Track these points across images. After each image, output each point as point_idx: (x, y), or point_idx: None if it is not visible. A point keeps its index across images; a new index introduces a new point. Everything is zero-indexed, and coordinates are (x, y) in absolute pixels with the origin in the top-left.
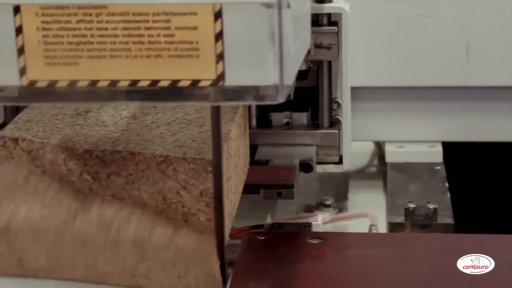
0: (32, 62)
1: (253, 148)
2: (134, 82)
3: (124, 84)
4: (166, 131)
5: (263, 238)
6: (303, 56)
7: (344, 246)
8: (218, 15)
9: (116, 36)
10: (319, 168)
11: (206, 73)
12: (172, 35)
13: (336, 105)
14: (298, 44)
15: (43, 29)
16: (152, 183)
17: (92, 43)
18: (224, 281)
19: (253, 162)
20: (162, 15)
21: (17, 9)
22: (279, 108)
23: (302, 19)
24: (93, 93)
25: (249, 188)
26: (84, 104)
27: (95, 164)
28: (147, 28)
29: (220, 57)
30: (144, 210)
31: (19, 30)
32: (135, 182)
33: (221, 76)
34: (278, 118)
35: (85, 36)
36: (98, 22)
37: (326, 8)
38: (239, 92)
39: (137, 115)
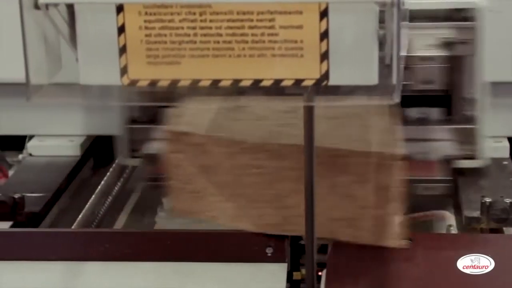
0: (134, 61)
1: None
2: (237, 82)
3: (226, 83)
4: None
5: None
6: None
7: (434, 247)
8: (324, 14)
9: (220, 35)
10: (455, 163)
11: (309, 72)
12: (276, 34)
13: (471, 101)
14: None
15: (146, 28)
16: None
17: (195, 42)
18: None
19: None
20: (267, 14)
21: (120, 8)
22: (414, 103)
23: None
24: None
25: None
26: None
27: (266, 158)
28: (251, 27)
29: (324, 56)
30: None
31: (121, 29)
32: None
33: (325, 76)
34: (413, 113)
35: (188, 35)
36: (201, 21)
37: (461, 3)
38: (349, 92)
39: (295, 109)
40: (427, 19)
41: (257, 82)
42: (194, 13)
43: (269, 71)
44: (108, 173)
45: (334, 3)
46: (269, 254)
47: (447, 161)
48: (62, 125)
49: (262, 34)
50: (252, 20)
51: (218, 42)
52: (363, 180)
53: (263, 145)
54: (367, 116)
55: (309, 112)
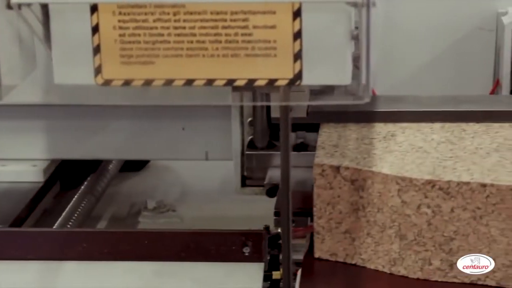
0: (108, 61)
1: None
2: (210, 81)
3: (200, 83)
4: (503, 159)
5: None
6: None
7: None
8: (297, 14)
9: (194, 35)
10: None
11: (283, 72)
12: (249, 34)
13: None
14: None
15: (120, 28)
16: (506, 218)
17: (169, 42)
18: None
19: None
20: (241, 14)
21: (94, 8)
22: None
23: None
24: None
25: None
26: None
27: (437, 196)
28: (224, 27)
29: (297, 56)
30: (492, 247)
31: (95, 29)
32: (483, 216)
33: (299, 76)
34: None
35: (162, 35)
36: (175, 21)
37: None
38: (321, 92)
39: (452, 140)
40: None
41: (230, 82)
42: (168, 13)
43: (242, 71)
44: (73, 200)
45: (307, 3)
46: (247, 254)
47: None
48: (24, 148)
49: (236, 34)
50: (225, 20)
51: (192, 42)
52: None
53: (433, 181)
54: None
55: (284, 111)
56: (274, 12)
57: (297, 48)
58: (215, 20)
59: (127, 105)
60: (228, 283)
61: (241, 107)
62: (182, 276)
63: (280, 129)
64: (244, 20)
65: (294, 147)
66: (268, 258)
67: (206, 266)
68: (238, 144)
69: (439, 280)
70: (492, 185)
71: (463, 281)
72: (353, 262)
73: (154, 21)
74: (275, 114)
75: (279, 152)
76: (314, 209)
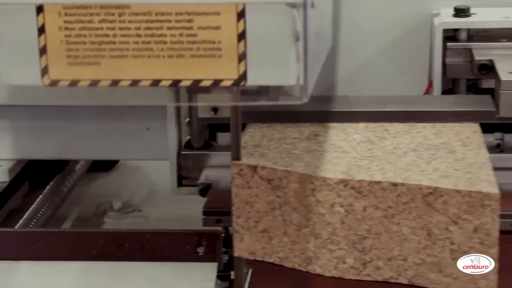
0: (54, 61)
1: None
2: (156, 82)
3: (146, 83)
4: (418, 159)
5: None
6: (325, 57)
7: None
8: (241, 15)
9: (139, 36)
10: None
11: (228, 73)
12: (194, 35)
13: None
14: (321, 45)
15: (66, 28)
16: (416, 217)
17: (115, 42)
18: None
19: None
20: (185, 15)
21: (40, 9)
22: (489, 128)
23: (324, 19)
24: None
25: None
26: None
27: (349, 195)
28: (169, 28)
29: (242, 57)
30: (403, 246)
31: (41, 30)
32: (395, 215)
33: (243, 76)
34: (487, 139)
35: (108, 36)
36: (120, 22)
37: None
38: (261, 92)
39: (374, 140)
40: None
41: (176, 82)
42: (113, 14)
43: (188, 72)
44: (37, 200)
45: (250, 4)
46: (201, 254)
47: None
48: None
49: (181, 35)
50: (170, 21)
51: (137, 42)
52: (455, 222)
53: (346, 181)
54: (451, 148)
55: (235, 112)
56: (218, 13)
57: (241, 49)
58: (160, 21)
59: (93, 105)
60: (182, 283)
61: (178, 108)
62: (136, 276)
63: (230, 129)
64: (189, 21)
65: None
66: (227, 258)
67: (160, 266)
68: (174, 144)
69: (353, 278)
70: (402, 184)
71: (376, 279)
72: (271, 261)
73: (100, 22)
74: (202, 114)
75: (215, 152)
76: (233, 208)
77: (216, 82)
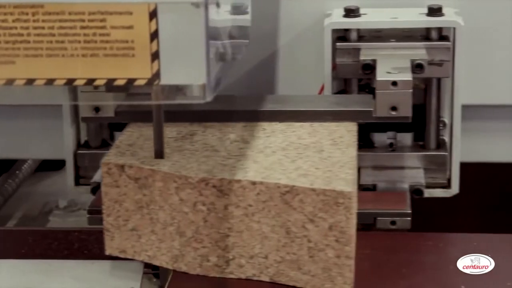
0: None
1: None
2: (71, 81)
3: (60, 82)
4: (284, 157)
5: None
6: (240, 56)
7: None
8: (153, 15)
9: (53, 35)
10: (425, 193)
11: (141, 72)
12: (107, 34)
13: (442, 125)
14: (230, 44)
15: None
16: (275, 215)
17: (29, 42)
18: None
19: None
20: (98, 14)
21: None
22: (382, 128)
23: (241, 17)
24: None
25: (362, 217)
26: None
27: (211, 194)
28: (83, 27)
29: (155, 56)
30: (264, 244)
31: None
32: (255, 213)
33: (157, 75)
34: (381, 139)
35: (22, 35)
36: (34, 21)
37: (437, 21)
38: (170, 91)
39: (248, 139)
40: (400, 38)
41: (90, 81)
42: (27, 13)
43: (102, 71)
44: None
45: (161, 4)
46: None
47: (420, 191)
48: None
49: (94, 34)
50: (83, 21)
51: (51, 42)
52: (312, 220)
53: (207, 179)
54: (320, 147)
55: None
56: (131, 13)
57: (154, 48)
58: (73, 21)
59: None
60: (109, 281)
61: (76, 106)
62: (63, 274)
63: (153, 127)
64: (102, 20)
65: None
66: None
67: (88, 264)
68: (71, 143)
69: (217, 276)
70: (261, 183)
71: (239, 277)
72: (141, 259)
73: (14, 21)
74: (84, 114)
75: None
76: (103, 207)
77: (130, 81)
